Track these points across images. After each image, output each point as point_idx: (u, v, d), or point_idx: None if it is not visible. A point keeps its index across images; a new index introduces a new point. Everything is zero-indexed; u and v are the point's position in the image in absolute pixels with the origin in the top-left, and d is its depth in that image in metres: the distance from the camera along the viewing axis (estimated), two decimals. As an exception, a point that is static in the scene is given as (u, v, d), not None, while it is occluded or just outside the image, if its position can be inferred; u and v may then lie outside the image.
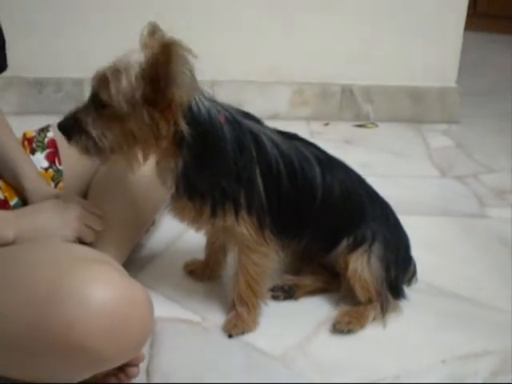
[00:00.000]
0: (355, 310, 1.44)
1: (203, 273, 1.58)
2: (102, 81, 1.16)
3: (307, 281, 1.53)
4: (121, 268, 1.11)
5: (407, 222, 1.52)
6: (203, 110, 1.20)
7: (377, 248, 1.42)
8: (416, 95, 2.71)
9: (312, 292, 1.52)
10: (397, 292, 1.46)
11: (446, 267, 1.66)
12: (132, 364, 1.16)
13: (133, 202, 1.49)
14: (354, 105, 2.72)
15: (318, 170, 1.36)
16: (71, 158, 1.53)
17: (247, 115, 1.31)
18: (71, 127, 1.21)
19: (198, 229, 1.39)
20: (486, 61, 3.65)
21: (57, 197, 1.39)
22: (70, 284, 0.98)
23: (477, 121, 2.75)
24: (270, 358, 1.33)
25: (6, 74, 1.46)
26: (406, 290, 1.50)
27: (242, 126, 1.27)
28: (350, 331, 1.40)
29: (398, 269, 1.45)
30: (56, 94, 2.62)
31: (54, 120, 1.63)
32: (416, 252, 1.52)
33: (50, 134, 1.56)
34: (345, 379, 1.28)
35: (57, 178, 1.53)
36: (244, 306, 1.40)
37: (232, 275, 1.44)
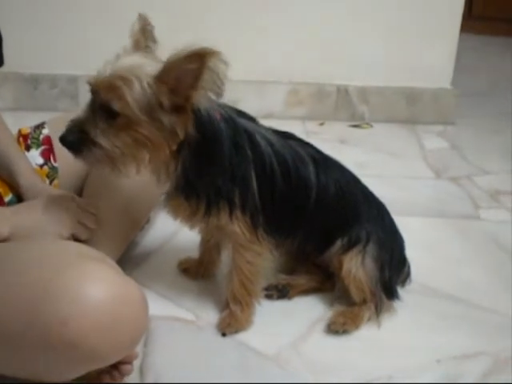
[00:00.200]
0: (350, 310, 1.44)
1: (197, 271, 1.58)
2: (112, 90, 1.13)
3: (301, 280, 1.53)
4: (116, 266, 1.11)
5: (402, 223, 1.53)
6: (203, 111, 1.19)
7: (371, 248, 1.42)
8: (411, 96, 2.71)
9: (306, 291, 1.52)
10: (391, 293, 1.46)
11: (441, 268, 1.66)
12: (126, 362, 1.16)
13: (127, 200, 1.49)
14: (349, 105, 2.72)
15: (312, 169, 1.36)
16: (66, 155, 1.52)
17: (242, 114, 1.31)
18: (78, 141, 1.17)
19: (191, 227, 1.39)
20: (481, 63, 3.65)
21: (52, 194, 1.38)
22: (65, 282, 0.98)
23: (472, 122, 2.75)
24: (263, 357, 1.33)
25: (1, 69, 1.46)
26: (401, 291, 1.50)
27: (238, 124, 1.27)
28: (345, 332, 1.40)
29: (393, 269, 1.45)
30: (51, 91, 2.61)
31: (49, 116, 1.64)
32: (410, 253, 1.52)
33: (45, 131, 1.56)
34: (338, 379, 1.28)
35: (52, 174, 1.53)
36: (238, 304, 1.40)
37: (226, 274, 1.44)
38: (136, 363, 1.22)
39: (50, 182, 1.53)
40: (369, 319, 1.43)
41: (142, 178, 1.38)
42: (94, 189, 1.50)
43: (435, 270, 1.64)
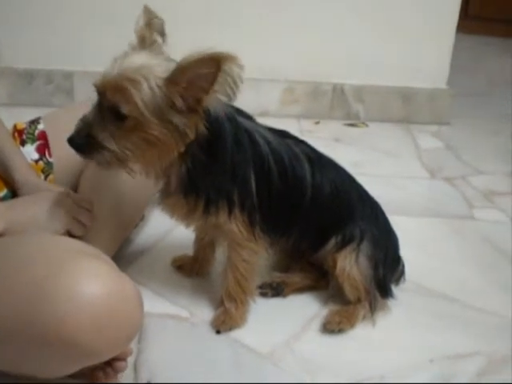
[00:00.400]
0: (345, 309, 1.44)
1: (192, 268, 1.57)
2: (119, 92, 1.11)
3: (296, 278, 1.53)
4: (111, 262, 1.11)
5: (396, 222, 1.53)
6: (212, 111, 1.17)
7: (365, 247, 1.42)
8: (407, 96, 2.71)
9: (300, 289, 1.53)
10: (385, 291, 1.46)
11: (435, 268, 1.67)
12: (120, 358, 1.16)
13: (122, 197, 1.48)
14: (344, 104, 2.72)
15: (308, 168, 1.36)
16: (62, 150, 1.52)
17: (240, 112, 1.31)
18: (86, 144, 1.16)
19: (187, 225, 1.39)
20: (477, 63, 3.66)
21: (47, 189, 1.38)
22: (61, 278, 0.98)
23: (467, 122, 2.76)
24: (257, 355, 1.33)
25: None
26: (395, 290, 1.50)
27: (238, 123, 1.27)
28: (340, 331, 1.40)
29: (387, 268, 1.46)
30: (46, 86, 2.60)
31: (44, 112, 1.63)
32: (405, 252, 1.53)
33: (40, 126, 1.56)
34: (332, 377, 1.28)
35: (47, 170, 1.53)
36: (232, 302, 1.40)
37: (220, 271, 1.44)
38: (130, 360, 1.22)
39: (45, 178, 1.52)
40: (364, 318, 1.43)
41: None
42: (90, 185, 1.49)
43: (429, 270, 1.65)
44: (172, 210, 1.33)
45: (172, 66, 1.11)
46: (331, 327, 1.40)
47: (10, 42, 2.53)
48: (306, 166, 1.36)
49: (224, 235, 1.36)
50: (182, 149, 1.17)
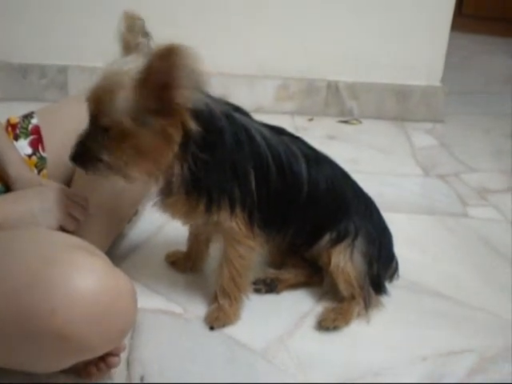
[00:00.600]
0: (340, 306, 1.44)
1: (185, 264, 1.57)
2: (98, 103, 1.12)
3: (289, 274, 1.53)
4: (105, 257, 1.11)
5: (390, 219, 1.53)
6: (205, 107, 1.17)
7: (360, 243, 1.42)
8: (401, 93, 2.71)
9: (294, 286, 1.53)
10: (379, 287, 1.46)
11: (428, 265, 1.67)
12: (113, 354, 1.16)
13: (116, 192, 1.48)
14: (339, 101, 2.72)
15: (304, 164, 1.36)
16: (55, 145, 1.52)
17: (237, 109, 1.31)
18: (84, 158, 1.18)
19: (185, 223, 1.39)
20: (471, 61, 3.67)
21: (40, 184, 1.38)
22: (55, 272, 0.98)
23: (461, 120, 2.76)
24: (251, 351, 1.33)
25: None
26: (389, 286, 1.51)
27: (236, 120, 1.26)
28: (335, 328, 1.40)
29: (381, 264, 1.46)
30: (40, 81, 2.59)
31: (38, 107, 1.63)
32: (398, 249, 1.53)
33: (33, 121, 1.55)
34: (325, 374, 1.28)
35: (40, 164, 1.52)
36: (226, 298, 1.40)
37: (214, 267, 1.44)
38: (123, 355, 1.22)
39: (39, 172, 1.52)
40: (358, 315, 1.43)
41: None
42: (83, 180, 1.48)
43: (422, 267, 1.65)
44: (172, 210, 1.32)
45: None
46: (326, 324, 1.40)
47: (3, 36, 2.52)
48: (302, 162, 1.35)
49: (222, 231, 1.35)
50: (175, 149, 1.17)
